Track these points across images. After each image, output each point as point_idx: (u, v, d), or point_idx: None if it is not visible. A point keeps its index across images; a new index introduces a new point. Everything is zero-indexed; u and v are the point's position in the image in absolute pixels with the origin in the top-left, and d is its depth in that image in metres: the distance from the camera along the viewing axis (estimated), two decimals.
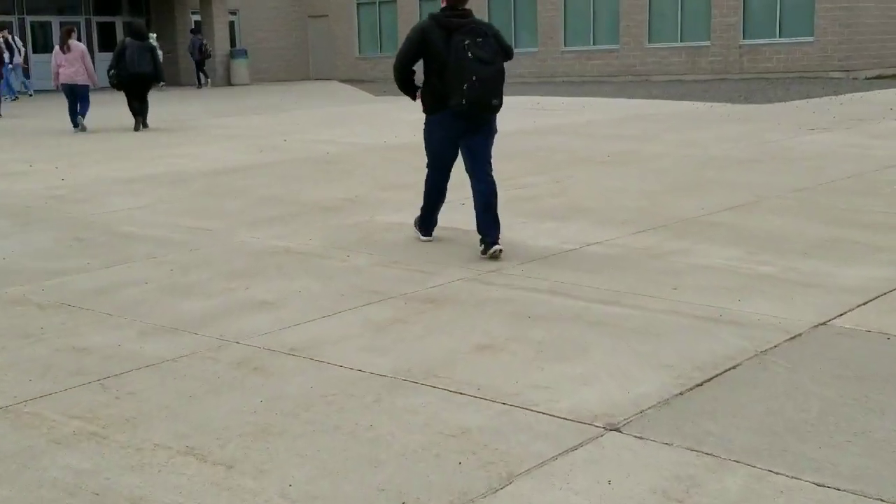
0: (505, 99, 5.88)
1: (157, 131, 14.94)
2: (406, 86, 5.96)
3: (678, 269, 5.45)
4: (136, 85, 15.03)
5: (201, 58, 28.45)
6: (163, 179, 9.54)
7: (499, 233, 5.82)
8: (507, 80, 5.88)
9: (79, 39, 16.38)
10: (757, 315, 4.48)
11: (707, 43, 25.26)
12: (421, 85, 5.91)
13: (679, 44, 25.83)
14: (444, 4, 5.74)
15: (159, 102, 21.72)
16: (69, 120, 15.28)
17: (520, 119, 15.42)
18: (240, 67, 30.06)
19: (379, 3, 31.70)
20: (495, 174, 6.01)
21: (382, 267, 5.65)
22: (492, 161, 6.00)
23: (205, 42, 28.68)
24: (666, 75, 25.90)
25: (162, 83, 15.71)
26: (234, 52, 30.23)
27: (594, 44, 27.37)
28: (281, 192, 8.49)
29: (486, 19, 29.39)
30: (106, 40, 29.62)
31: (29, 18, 28.55)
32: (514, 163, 10.03)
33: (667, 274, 5.33)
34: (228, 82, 30.08)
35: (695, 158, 10.08)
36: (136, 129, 15.17)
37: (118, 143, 13.23)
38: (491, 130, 5.92)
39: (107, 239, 6.67)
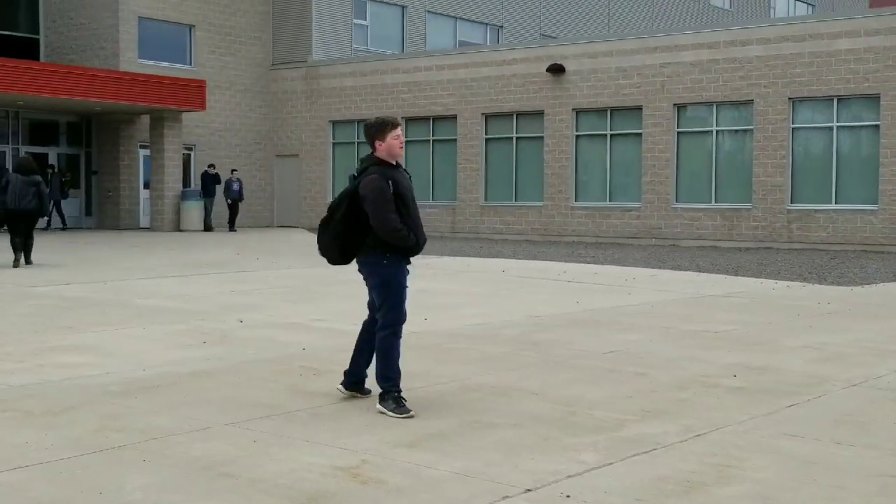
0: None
1: (59, 296, 11.59)
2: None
3: None
4: (17, 221, 15.19)
5: (60, 197, 26.66)
6: (33, 402, 6.14)
7: None
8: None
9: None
10: None
11: (748, 206, 22.69)
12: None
13: (713, 205, 23.25)
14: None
15: (71, 250, 18.41)
16: None
17: (556, 297, 12.30)
18: (191, 211, 27.05)
19: (357, 143, 29.20)
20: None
21: None
22: None
23: (65, 179, 27.10)
24: (697, 240, 23.21)
25: (45, 217, 16.67)
26: (186, 194, 27.28)
27: (610, 200, 24.77)
28: (227, 450, 5.11)
29: (482, 165, 27.03)
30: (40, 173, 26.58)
31: None
32: (594, 386, 6.78)
33: None
34: (177, 227, 26.98)
35: (873, 390, 6.89)
36: (16, 265, 15.08)
37: None
38: (371, 283, 6.03)
39: None
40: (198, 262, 16.93)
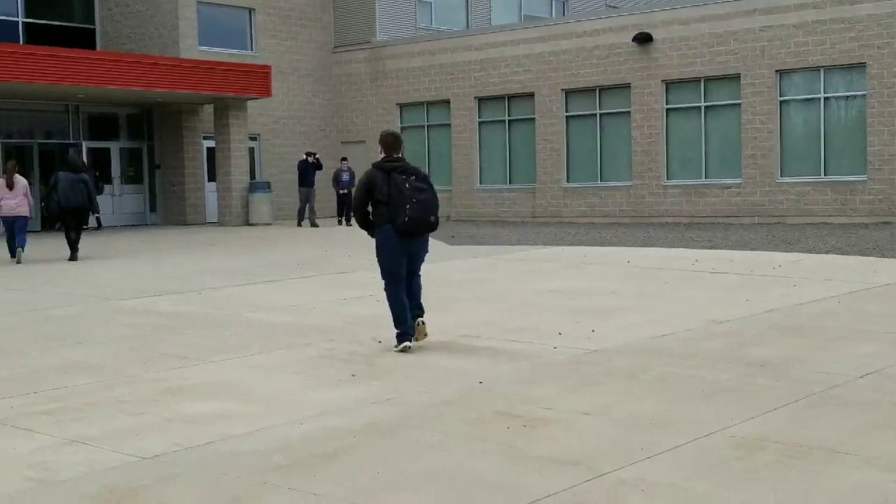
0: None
1: (154, 311, 9.94)
2: (366, 222, 7.82)
3: None
4: (68, 217, 15.85)
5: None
6: (182, 488, 4.44)
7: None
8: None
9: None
10: None
11: (863, 178, 20.61)
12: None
13: (823, 178, 21.19)
14: (382, 154, 7.80)
15: (144, 250, 16.80)
16: (7, 251, 15.76)
17: (718, 293, 10.34)
18: (260, 204, 25.44)
19: (427, 126, 27.43)
20: None
21: None
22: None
23: (97, 174, 23.73)
24: (805, 216, 21.19)
25: (96, 215, 17.06)
26: (254, 186, 25.69)
27: (707, 177, 22.78)
28: None
29: (563, 144, 25.03)
30: (99, 169, 25.10)
31: (5, 142, 24.10)
32: None
33: None
34: (246, 221, 25.42)
35: None
36: (72, 258, 15.79)
37: (78, 335, 8.21)
38: (425, 246, 7.93)
39: None
40: (287, 261, 15.26)
